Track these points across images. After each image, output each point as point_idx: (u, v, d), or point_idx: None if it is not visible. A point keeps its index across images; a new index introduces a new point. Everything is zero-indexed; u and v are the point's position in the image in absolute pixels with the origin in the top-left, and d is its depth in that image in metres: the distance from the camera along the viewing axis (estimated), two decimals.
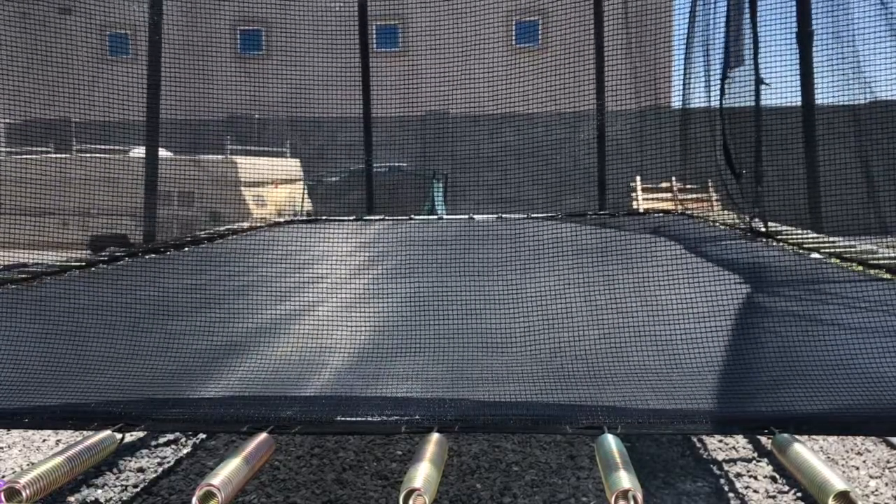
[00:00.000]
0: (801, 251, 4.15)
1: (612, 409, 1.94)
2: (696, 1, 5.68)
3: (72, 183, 4.95)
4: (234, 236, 5.60)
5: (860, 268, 3.65)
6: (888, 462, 3.52)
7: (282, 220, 6.72)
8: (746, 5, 4.70)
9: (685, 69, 5.93)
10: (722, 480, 3.34)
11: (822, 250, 4.05)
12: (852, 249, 3.98)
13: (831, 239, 4.34)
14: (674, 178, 10.32)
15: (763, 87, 4.72)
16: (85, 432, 1.84)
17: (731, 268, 3.80)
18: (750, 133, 4.99)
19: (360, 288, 3.84)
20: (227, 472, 1.59)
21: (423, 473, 1.56)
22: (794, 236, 4.49)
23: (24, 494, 1.54)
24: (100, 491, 3.27)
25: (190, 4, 5.48)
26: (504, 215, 6.12)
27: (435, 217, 7.68)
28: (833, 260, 3.86)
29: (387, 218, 6.23)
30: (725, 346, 2.49)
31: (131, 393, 2.16)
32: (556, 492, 3.18)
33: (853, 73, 4.64)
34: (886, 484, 3.29)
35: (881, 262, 3.64)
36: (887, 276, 3.45)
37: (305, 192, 10.73)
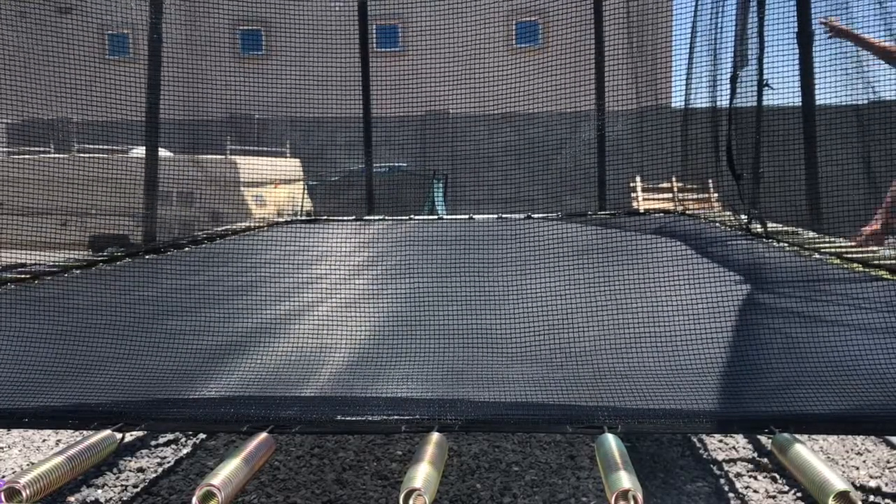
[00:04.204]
0: (800, 251, 4.15)
1: (612, 409, 1.94)
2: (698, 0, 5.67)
3: (72, 183, 4.95)
4: (234, 236, 5.60)
5: (859, 267, 3.65)
6: (888, 462, 3.52)
7: (282, 220, 6.72)
8: (753, 5, 4.69)
9: (687, 69, 5.93)
10: (722, 480, 3.34)
11: (823, 250, 4.05)
12: (852, 249, 3.98)
13: (831, 239, 4.34)
14: (674, 178, 10.32)
15: (766, 88, 4.72)
16: (85, 432, 1.84)
17: (731, 267, 3.80)
18: (751, 133, 4.99)
19: (360, 288, 3.84)
20: (227, 472, 1.59)
21: (423, 473, 1.56)
22: (794, 236, 4.49)
23: (24, 494, 1.54)
24: (100, 491, 3.27)
25: (190, 4, 5.48)
26: (504, 215, 6.12)
27: (435, 217, 7.68)
28: (833, 260, 3.86)
29: (387, 218, 6.23)
30: (725, 346, 2.49)
31: (131, 393, 2.16)
32: (556, 492, 3.18)
33: (854, 74, 4.64)
34: (886, 484, 3.29)
35: (882, 262, 3.64)
36: (887, 275, 3.45)
37: (305, 192, 10.74)
